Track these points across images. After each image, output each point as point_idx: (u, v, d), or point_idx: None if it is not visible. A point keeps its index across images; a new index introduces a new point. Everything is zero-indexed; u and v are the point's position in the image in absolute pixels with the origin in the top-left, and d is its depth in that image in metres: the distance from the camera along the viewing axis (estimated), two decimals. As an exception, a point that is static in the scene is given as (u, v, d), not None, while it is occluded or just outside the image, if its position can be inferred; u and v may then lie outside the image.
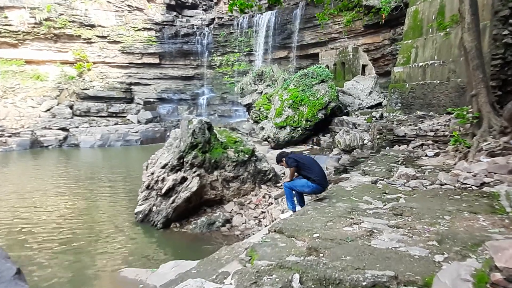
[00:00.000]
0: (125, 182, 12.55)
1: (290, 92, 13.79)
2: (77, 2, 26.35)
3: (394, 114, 13.03)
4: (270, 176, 9.37)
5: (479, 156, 4.81)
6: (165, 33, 28.76)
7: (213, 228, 7.83)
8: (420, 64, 12.62)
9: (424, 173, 5.66)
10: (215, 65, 30.23)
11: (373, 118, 11.60)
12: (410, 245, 3.03)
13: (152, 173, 9.14)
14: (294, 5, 25.10)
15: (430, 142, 6.81)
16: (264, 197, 8.84)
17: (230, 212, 8.37)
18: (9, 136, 21.41)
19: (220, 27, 29.68)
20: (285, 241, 3.33)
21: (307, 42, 24.18)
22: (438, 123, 8.08)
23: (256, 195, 9.00)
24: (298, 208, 5.34)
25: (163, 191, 8.32)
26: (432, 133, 7.22)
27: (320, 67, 14.13)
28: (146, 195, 8.99)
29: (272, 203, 8.51)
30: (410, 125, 9.77)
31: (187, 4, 30.21)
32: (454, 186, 4.89)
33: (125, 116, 26.51)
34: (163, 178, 8.61)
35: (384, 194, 4.87)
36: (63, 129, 23.34)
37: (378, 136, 7.02)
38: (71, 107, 25.16)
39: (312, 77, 13.61)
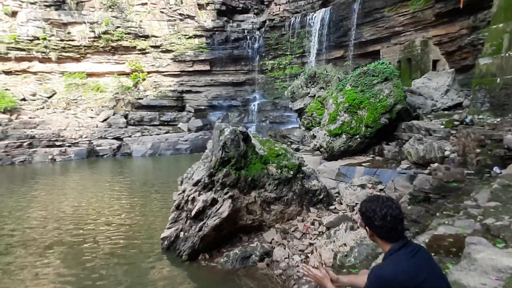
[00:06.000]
0: (166, 197, 11.67)
1: (346, 94, 11.82)
2: (132, 14, 27.01)
3: (481, 117, 10.39)
4: (321, 197, 7.63)
5: None
6: (215, 39, 28.27)
7: (249, 263, 6.32)
8: (517, 52, 9.87)
9: None
10: (267, 69, 28.98)
11: (455, 123, 9.22)
12: None
13: (184, 191, 7.96)
14: (351, -1, 22.87)
15: None
16: (313, 223, 7.13)
17: (270, 243, 6.80)
18: (69, 146, 22.26)
19: (271, 29, 28.40)
20: None
21: (366, 38, 21.73)
22: None
23: (303, 221, 7.33)
24: None
25: (193, 213, 7.05)
26: None
27: (383, 63, 11.96)
28: (175, 217, 7.82)
29: (322, 233, 6.78)
30: (510, 130, 7.34)
31: (238, 9, 29.48)
32: None
33: (176, 125, 26.40)
34: (194, 197, 7.36)
35: None
36: (117, 138, 23.78)
37: (478, 150, 4.92)
38: (125, 116, 25.68)
39: (373, 75, 11.50)
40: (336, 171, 10.37)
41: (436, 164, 6.95)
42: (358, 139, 11.21)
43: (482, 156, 4.93)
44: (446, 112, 12.54)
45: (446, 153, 7.76)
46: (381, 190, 7.65)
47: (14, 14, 24.73)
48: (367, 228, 1.96)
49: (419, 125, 10.59)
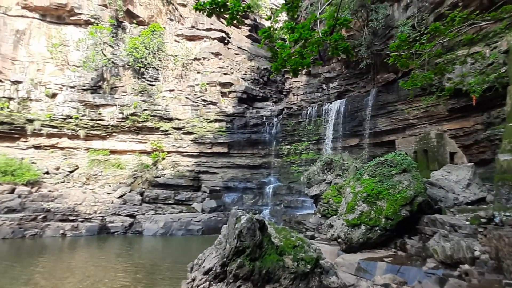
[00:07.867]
0: (173, 285, 10.98)
1: (364, 184, 11.70)
2: (159, 99, 29.19)
3: (508, 214, 9.91)
4: (341, 296, 7.01)
5: None
6: (235, 124, 29.72)
7: None
8: (538, 149, 9.81)
9: None
10: (283, 154, 29.62)
11: (482, 220, 8.78)
12: None
13: (193, 279, 7.51)
14: (365, 92, 24.24)
15: None
16: (332, 328, 6.43)
17: None
18: (81, 221, 22.11)
19: (288, 117, 29.84)
20: None
21: (381, 129, 22.36)
22: None
23: (321, 324, 6.63)
24: None
25: (201, 307, 6.54)
26: None
27: (400, 154, 12.04)
28: (181, 311, 7.27)
29: None
30: (544, 232, 6.87)
31: (258, 97, 31.54)
32: None
33: (190, 204, 26.24)
34: (203, 288, 6.90)
35: None
36: (131, 215, 23.60)
37: (515, 258, 4.58)
38: (141, 194, 25.84)
39: (391, 166, 11.49)
40: (356, 265, 9.72)
41: (466, 266, 6.44)
42: (378, 231, 10.71)
43: (520, 264, 4.55)
44: (469, 206, 12.07)
45: (476, 253, 7.23)
46: (407, 292, 7.01)
47: (54, 95, 27.17)
48: None
49: (443, 219, 10.13)
